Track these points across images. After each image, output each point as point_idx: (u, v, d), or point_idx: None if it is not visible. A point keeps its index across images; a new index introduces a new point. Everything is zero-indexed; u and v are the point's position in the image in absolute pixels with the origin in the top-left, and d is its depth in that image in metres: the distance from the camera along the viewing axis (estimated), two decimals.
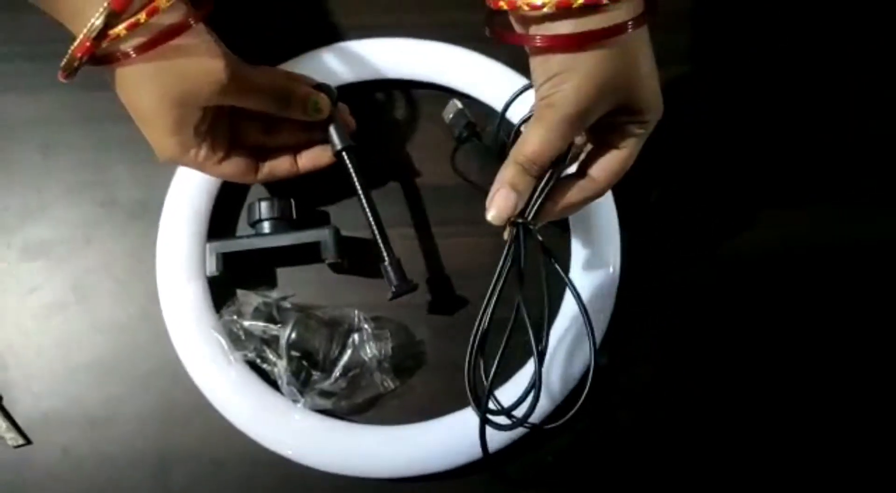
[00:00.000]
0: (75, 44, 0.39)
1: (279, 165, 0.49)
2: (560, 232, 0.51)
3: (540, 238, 0.42)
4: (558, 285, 0.45)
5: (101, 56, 0.40)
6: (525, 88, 0.47)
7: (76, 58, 0.39)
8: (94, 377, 0.50)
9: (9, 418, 0.49)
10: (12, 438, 0.49)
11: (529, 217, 0.41)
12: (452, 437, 0.47)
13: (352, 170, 0.48)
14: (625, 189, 0.52)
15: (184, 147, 0.45)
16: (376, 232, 0.48)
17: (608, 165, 0.41)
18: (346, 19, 0.55)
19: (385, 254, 0.48)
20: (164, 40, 0.40)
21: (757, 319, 0.51)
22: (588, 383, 0.44)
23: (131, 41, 0.39)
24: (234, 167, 0.48)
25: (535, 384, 0.42)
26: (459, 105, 0.51)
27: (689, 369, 0.50)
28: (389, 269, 0.48)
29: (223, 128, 0.47)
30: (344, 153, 0.48)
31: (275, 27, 0.55)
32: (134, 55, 0.40)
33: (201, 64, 0.42)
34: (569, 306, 0.49)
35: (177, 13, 0.40)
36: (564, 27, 0.36)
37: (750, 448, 0.49)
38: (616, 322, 0.49)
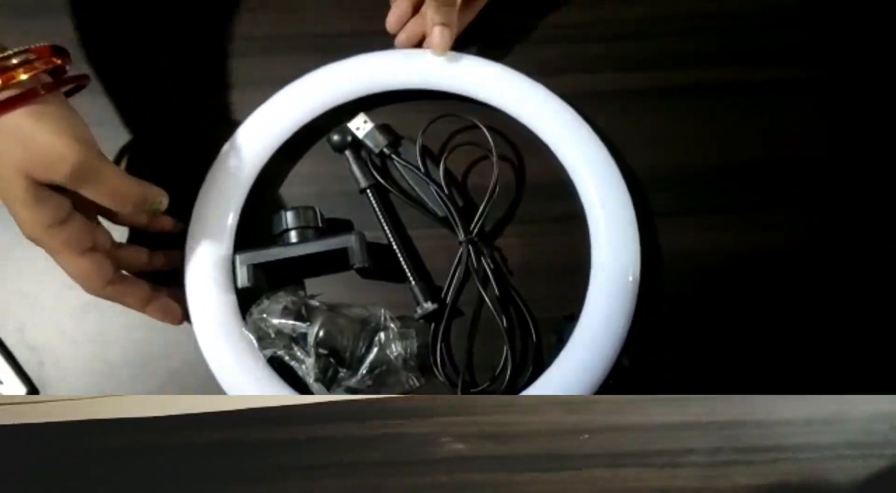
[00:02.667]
0: None
1: (137, 257, 0.49)
2: (580, 237, 0.52)
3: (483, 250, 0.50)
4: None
5: None
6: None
7: None
8: (127, 375, 0.51)
9: None
10: None
11: (474, 234, 0.50)
12: None
13: (376, 206, 0.52)
14: (643, 195, 0.52)
15: (41, 224, 0.41)
16: (403, 262, 0.51)
17: None
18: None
19: (410, 277, 0.50)
20: (11, 107, 0.39)
21: (780, 323, 0.51)
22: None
23: None
24: (96, 264, 0.44)
25: (505, 361, 0.50)
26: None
27: (709, 373, 0.51)
28: (416, 289, 0.50)
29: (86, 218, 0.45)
30: (368, 191, 0.52)
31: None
32: None
33: (55, 139, 0.40)
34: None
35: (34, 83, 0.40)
36: None
37: None
38: (636, 325, 0.49)
